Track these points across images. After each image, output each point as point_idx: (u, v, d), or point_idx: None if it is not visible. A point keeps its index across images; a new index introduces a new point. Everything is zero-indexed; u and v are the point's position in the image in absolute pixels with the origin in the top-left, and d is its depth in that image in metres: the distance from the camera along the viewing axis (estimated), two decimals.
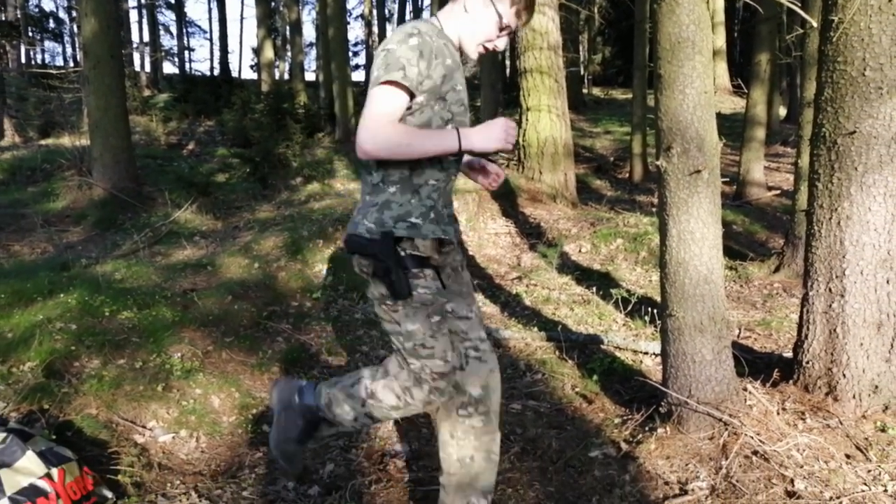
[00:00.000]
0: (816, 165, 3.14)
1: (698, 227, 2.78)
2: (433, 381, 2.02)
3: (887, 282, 2.96)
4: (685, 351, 2.88)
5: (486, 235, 7.30)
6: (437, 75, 1.89)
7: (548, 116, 8.49)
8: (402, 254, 1.95)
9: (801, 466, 2.64)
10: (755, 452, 2.71)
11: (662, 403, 3.02)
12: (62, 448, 2.36)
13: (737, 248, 6.92)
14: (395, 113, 1.86)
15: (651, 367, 3.95)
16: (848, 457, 2.73)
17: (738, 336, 4.61)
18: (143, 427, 3.04)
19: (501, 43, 2.03)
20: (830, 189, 3.07)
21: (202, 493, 2.67)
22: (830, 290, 3.10)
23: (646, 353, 4.09)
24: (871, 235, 2.98)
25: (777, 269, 5.95)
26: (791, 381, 3.23)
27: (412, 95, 1.87)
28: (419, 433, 3.22)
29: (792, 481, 2.57)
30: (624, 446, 2.89)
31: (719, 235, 2.85)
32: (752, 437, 2.74)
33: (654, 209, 8.34)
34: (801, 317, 3.26)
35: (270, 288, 4.95)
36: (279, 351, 4.08)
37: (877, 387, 3.01)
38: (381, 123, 1.83)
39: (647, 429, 3.00)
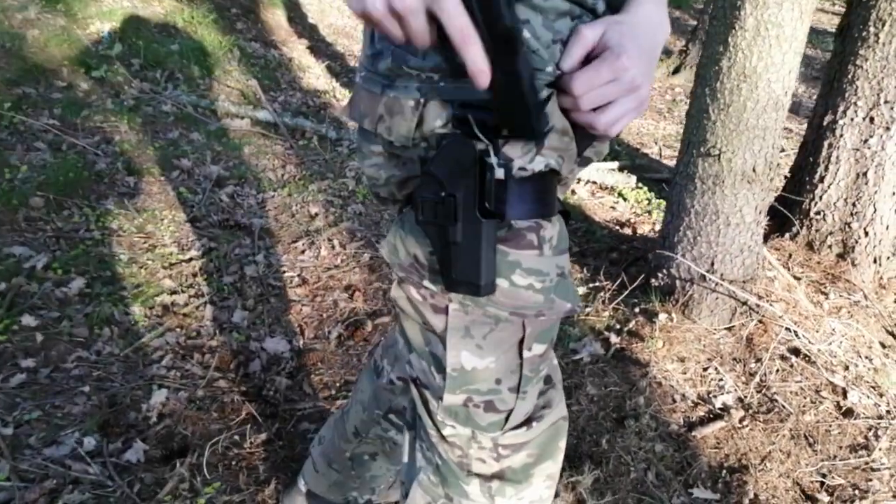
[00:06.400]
0: None
1: (791, 17, 1.71)
2: (496, 459, 0.84)
3: None
4: (719, 208, 1.96)
5: None
6: None
7: None
8: (501, 172, 0.70)
9: (847, 368, 1.97)
10: (795, 351, 1.99)
11: (660, 274, 2.15)
12: None
13: None
14: None
15: (587, 200, 3.05)
16: (884, 346, 2.12)
17: (661, 155, 3.85)
18: None
19: None
20: None
21: None
22: (872, 119, 2.29)
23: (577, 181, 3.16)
24: None
25: (677, 71, 5.20)
26: (788, 235, 2.51)
27: None
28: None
29: (844, 392, 1.89)
30: (614, 339, 2.02)
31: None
32: (790, 329, 2.00)
33: None
34: (808, 148, 2.47)
35: (16, 56, 3.12)
36: (41, 166, 2.52)
37: None
38: None
39: (636, 309, 2.14)
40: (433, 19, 0.58)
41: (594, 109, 0.68)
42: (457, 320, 0.77)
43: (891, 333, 2.17)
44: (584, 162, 0.80)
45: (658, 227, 2.76)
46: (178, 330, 1.95)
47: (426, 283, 0.77)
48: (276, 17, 5.02)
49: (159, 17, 4.01)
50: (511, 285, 0.74)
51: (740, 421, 1.81)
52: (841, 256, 2.40)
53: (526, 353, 0.79)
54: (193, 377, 1.79)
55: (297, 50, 4.63)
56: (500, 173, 0.70)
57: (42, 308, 1.91)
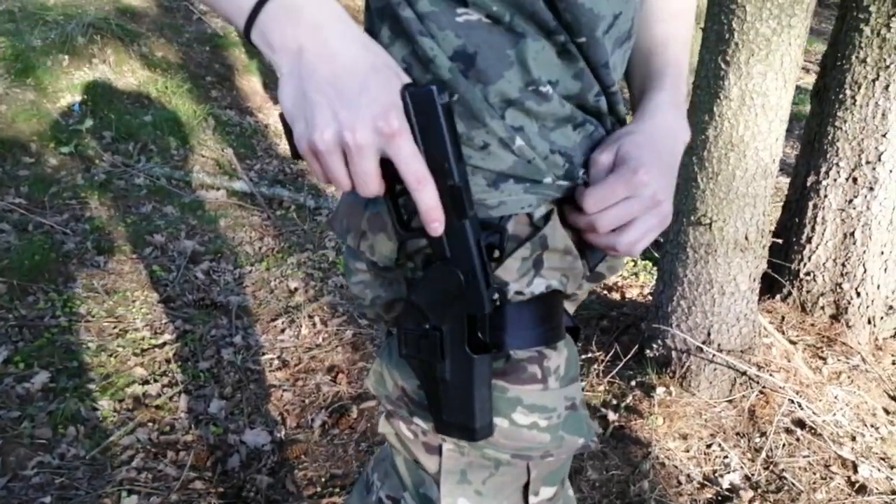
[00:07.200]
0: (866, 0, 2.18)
1: (776, 86, 1.70)
2: None
3: None
4: (713, 278, 1.91)
5: None
6: None
7: None
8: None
9: (854, 439, 1.90)
10: (800, 423, 1.91)
11: (654, 345, 2.08)
12: None
13: None
14: None
15: None
16: (888, 412, 2.06)
17: None
18: None
19: None
20: (884, 37, 2.15)
21: None
22: (855, 179, 2.29)
23: None
24: None
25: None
26: (780, 297, 2.47)
27: None
28: None
29: (854, 466, 1.82)
30: (612, 416, 1.93)
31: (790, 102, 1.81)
32: (793, 400, 1.93)
33: None
34: (793, 209, 2.46)
35: None
36: (4, 249, 2.41)
37: (891, 307, 2.36)
38: None
39: (632, 382, 2.06)
40: (383, 164, 0.54)
41: (613, 230, 0.62)
42: (452, 463, 0.69)
43: (893, 398, 2.11)
44: (595, 277, 0.73)
45: (646, 291, 2.71)
46: (149, 425, 1.83)
47: (416, 419, 0.69)
48: (252, 84, 5.01)
49: (132, 87, 3.97)
50: (511, 425, 0.66)
51: (750, 502, 1.72)
52: (835, 318, 2.36)
53: (532, 499, 0.70)
54: (167, 479, 1.66)
55: (273, 116, 4.60)
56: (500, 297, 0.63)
57: (1, 408, 1.78)
